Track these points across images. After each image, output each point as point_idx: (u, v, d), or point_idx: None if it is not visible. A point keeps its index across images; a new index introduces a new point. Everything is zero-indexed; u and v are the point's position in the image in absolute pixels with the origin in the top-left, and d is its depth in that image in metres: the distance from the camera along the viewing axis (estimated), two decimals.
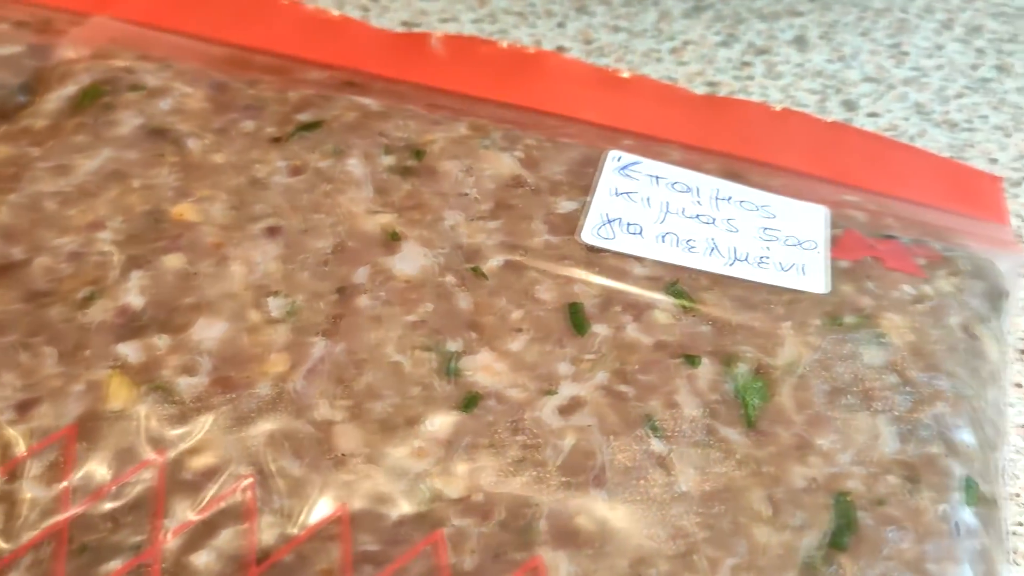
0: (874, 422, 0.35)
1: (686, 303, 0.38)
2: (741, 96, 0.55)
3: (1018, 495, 0.38)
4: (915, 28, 0.59)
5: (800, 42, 0.57)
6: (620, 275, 0.39)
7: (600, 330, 0.38)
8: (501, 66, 0.53)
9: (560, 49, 0.57)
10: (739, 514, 0.33)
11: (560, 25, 0.58)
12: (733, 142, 0.50)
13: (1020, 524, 0.38)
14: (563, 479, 0.33)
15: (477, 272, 0.39)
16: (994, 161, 0.52)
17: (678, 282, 0.39)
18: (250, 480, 0.33)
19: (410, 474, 0.33)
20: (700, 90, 0.55)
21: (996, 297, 0.41)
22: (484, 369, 0.36)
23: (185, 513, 0.32)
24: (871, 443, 0.35)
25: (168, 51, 0.51)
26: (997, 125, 0.53)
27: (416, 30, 0.58)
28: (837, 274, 0.40)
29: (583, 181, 0.43)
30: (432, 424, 0.35)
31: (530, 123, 0.49)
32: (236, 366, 0.36)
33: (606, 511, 0.33)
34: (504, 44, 0.53)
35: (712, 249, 0.41)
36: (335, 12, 0.54)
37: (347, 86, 0.50)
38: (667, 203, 0.43)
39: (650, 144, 0.48)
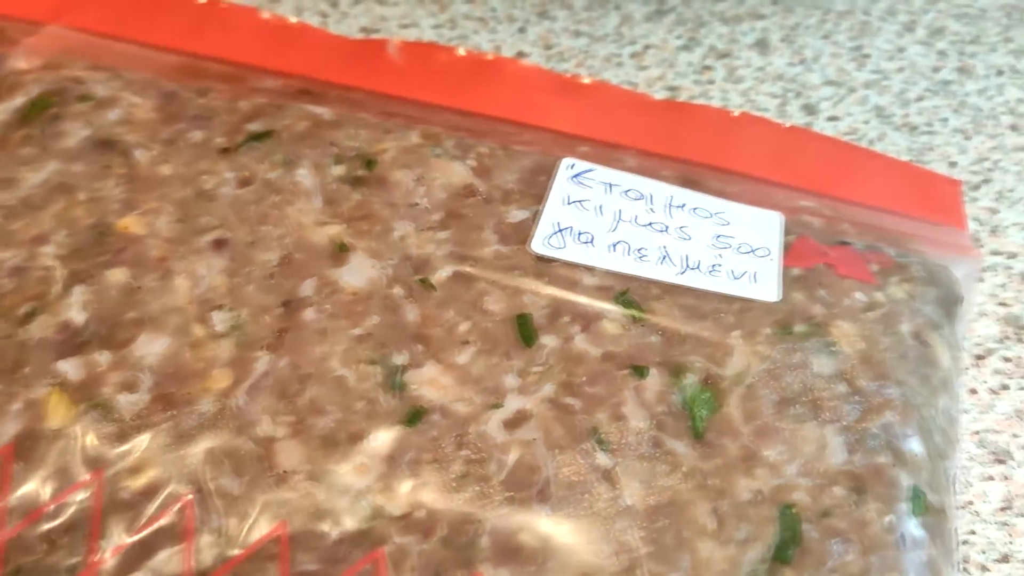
0: (822, 432, 0.35)
1: (635, 313, 0.38)
2: (701, 100, 0.54)
3: (971, 503, 0.38)
4: (877, 31, 0.58)
5: (762, 45, 0.57)
6: (570, 285, 0.39)
7: (548, 341, 0.37)
8: (458, 73, 0.52)
9: (520, 55, 0.56)
10: (683, 528, 0.33)
11: (521, 31, 0.58)
12: (691, 148, 0.49)
13: (972, 533, 0.37)
14: (507, 494, 0.33)
15: (425, 283, 0.39)
16: (954, 164, 0.51)
17: (628, 292, 0.39)
18: (189, 499, 0.33)
19: (352, 491, 0.33)
20: (660, 95, 0.54)
21: (950, 303, 0.41)
22: (429, 383, 0.36)
23: (122, 534, 0.32)
24: (818, 454, 0.34)
25: (121, 60, 0.51)
26: (957, 128, 0.53)
27: (375, 36, 0.57)
28: (789, 282, 0.40)
29: (536, 189, 0.43)
30: (375, 439, 0.34)
31: (486, 130, 0.48)
32: (178, 382, 0.35)
33: (550, 527, 0.32)
34: (462, 51, 0.52)
35: (664, 258, 0.40)
36: (293, 19, 0.53)
37: (302, 94, 0.50)
38: (619, 211, 0.42)
39: (607, 151, 0.48)
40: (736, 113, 0.51)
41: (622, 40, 0.57)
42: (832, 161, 0.49)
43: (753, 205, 0.45)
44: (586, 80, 0.52)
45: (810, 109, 0.54)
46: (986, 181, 0.51)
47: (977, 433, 0.40)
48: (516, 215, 0.42)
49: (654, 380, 0.36)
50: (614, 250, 0.40)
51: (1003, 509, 0.38)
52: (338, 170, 0.43)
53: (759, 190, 0.47)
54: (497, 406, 0.35)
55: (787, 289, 0.39)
